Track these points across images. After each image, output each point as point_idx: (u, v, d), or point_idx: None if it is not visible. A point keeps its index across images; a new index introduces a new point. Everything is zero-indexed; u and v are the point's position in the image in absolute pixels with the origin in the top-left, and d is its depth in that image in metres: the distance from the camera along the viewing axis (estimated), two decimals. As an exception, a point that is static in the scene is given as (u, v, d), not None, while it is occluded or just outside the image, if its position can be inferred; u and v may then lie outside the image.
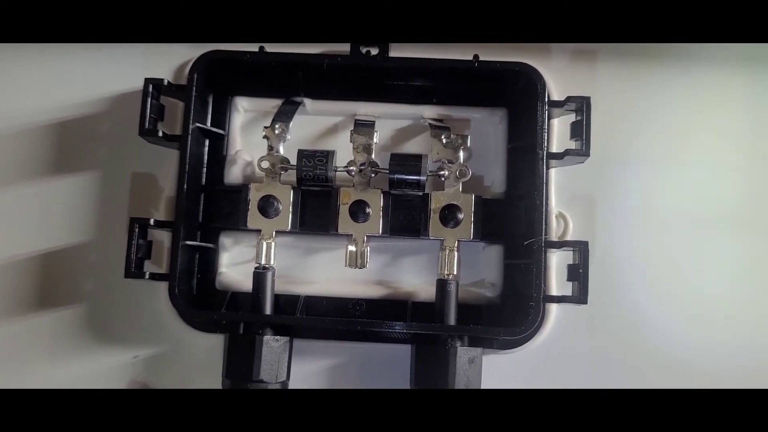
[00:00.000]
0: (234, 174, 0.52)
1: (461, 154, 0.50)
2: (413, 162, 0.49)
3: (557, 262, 0.51)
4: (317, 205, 0.51)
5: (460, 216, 0.49)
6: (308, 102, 0.53)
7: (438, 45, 0.53)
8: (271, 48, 0.51)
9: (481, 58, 0.50)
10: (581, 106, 0.49)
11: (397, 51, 0.52)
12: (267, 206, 0.49)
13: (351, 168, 0.50)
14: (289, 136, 0.50)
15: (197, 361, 0.51)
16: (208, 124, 0.53)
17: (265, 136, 0.50)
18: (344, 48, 0.52)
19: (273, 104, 0.53)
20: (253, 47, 0.51)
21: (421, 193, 0.50)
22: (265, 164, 0.50)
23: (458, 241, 0.49)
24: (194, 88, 0.50)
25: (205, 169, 0.53)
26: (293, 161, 0.50)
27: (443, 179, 0.50)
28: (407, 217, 0.51)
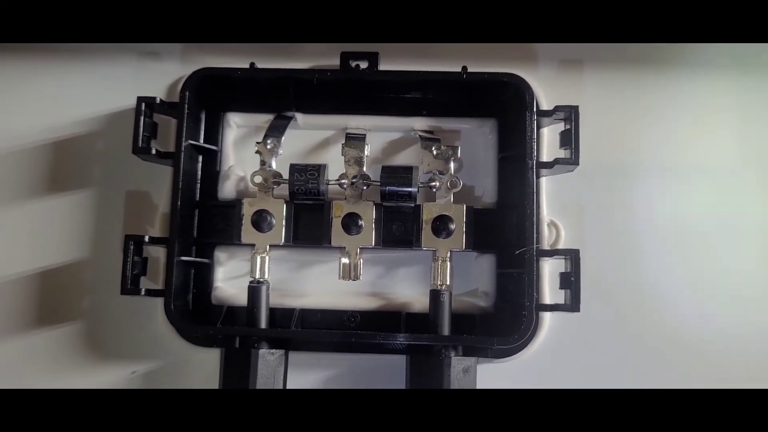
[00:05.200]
0: (227, 189, 0.53)
1: (452, 165, 0.50)
2: (404, 174, 0.50)
3: (549, 270, 0.51)
4: (310, 219, 0.51)
5: (452, 226, 0.49)
6: (299, 116, 0.54)
7: (426, 56, 0.54)
8: (261, 63, 0.52)
9: (469, 70, 0.51)
10: (570, 115, 0.49)
11: (386, 64, 0.52)
12: (260, 221, 0.50)
13: (343, 181, 0.50)
14: (281, 151, 0.51)
15: (194, 375, 0.52)
16: (201, 140, 0.53)
17: (257, 151, 0.51)
18: (334, 62, 0.53)
19: (265, 119, 0.53)
20: (244, 63, 0.51)
21: (413, 205, 0.50)
22: (258, 179, 0.50)
23: (450, 251, 0.50)
24: (186, 105, 0.50)
25: (198, 185, 0.53)
26: (285, 176, 0.50)
27: (434, 190, 0.50)
28: (400, 228, 0.51)
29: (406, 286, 0.53)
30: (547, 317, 0.51)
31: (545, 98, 0.52)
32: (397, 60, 0.53)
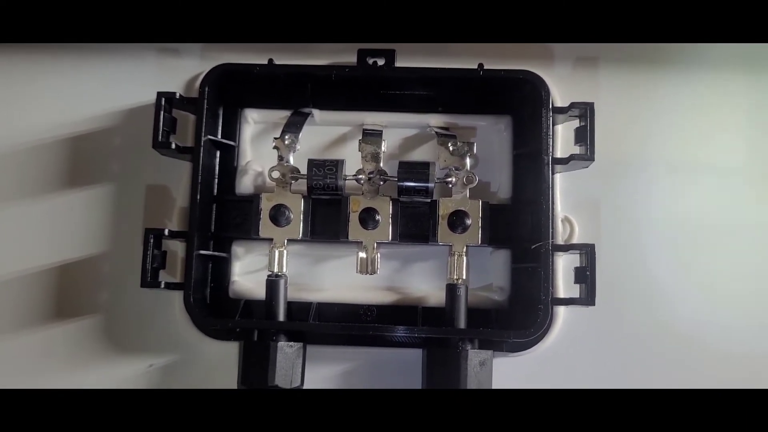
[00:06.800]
0: (245, 184, 0.53)
1: (468, 161, 0.51)
2: (421, 170, 0.50)
3: (564, 265, 0.52)
4: (327, 214, 0.52)
5: (468, 222, 0.50)
6: (317, 113, 0.54)
7: (443, 53, 0.54)
8: (279, 60, 0.52)
9: (485, 67, 0.51)
10: (585, 111, 0.50)
11: (402, 62, 0.53)
12: (278, 215, 0.50)
13: (360, 176, 0.51)
14: (298, 147, 0.51)
15: (212, 369, 0.52)
16: (219, 135, 0.54)
17: (275, 147, 0.51)
18: (351, 59, 0.53)
19: (282, 115, 0.54)
20: (262, 60, 0.52)
21: (429, 200, 0.51)
22: (276, 174, 0.51)
23: (466, 246, 0.50)
24: (205, 100, 0.51)
25: (216, 180, 0.54)
26: (303, 171, 0.51)
27: (450, 186, 0.51)
28: (416, 223, 0.52)
29: (422, 281, 0.53)
30: (561, 311, 0.52)
31: (560, 95, 0.53)
32: (414, 58, 0.53)
